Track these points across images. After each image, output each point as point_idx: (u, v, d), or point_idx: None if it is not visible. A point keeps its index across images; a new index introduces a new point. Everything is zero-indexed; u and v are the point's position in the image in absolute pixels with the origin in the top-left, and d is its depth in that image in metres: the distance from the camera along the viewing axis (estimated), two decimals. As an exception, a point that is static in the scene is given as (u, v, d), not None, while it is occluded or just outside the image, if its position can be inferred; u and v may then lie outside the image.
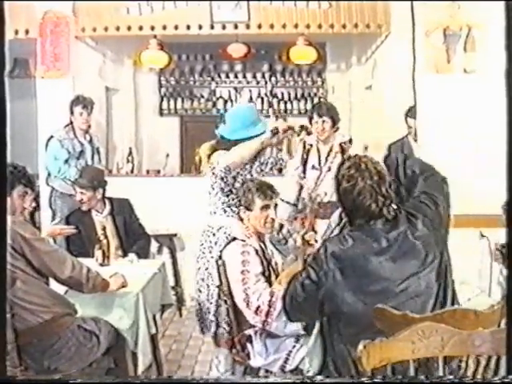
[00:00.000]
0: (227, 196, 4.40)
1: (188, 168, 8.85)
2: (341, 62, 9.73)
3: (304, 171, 5.34)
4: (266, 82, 10.07)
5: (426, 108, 5.70)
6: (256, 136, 4.48)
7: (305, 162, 5.35)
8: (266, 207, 3.89)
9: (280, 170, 4.90)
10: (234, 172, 4.42)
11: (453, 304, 3.04)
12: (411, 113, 6.20)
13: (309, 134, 6.15)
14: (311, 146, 5.40)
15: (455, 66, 5.67)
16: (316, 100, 9.73)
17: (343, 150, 5.30)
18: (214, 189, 4.48)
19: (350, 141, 5.40)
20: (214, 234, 4.42)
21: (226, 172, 4.39)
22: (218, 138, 4.58)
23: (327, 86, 9.91)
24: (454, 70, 5.68)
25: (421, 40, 5.74)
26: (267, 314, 3.57)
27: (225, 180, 4.42)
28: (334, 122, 5.33)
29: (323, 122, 5.29)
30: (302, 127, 6.63)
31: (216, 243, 4.36)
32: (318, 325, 3.31)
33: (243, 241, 3.83)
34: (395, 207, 3.01)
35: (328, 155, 5.31)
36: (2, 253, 1.96)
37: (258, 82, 10.09)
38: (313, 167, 5.31)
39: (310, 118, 5.40)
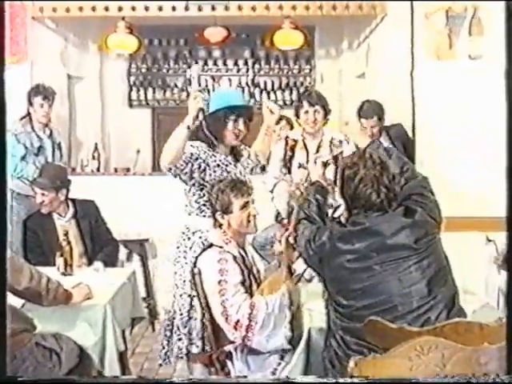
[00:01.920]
0: (201, 190, 4.35)
1: (161, 166, 8.82)
2: (331, 48, 9.75)
3: (289, 170, 5.30)
4: (247, 70, 10.08)
5: (425, 99, 5.69)
6: (235, 106, 4.38)
7: (289, 160, 5.31)
8: (245, 205, 3.88)
9: (263, 168, 4.84)
10: (195, 164, 4.32)
11: (458, 316, 3.07)
12: (363, 112, 6.16)
13: (291, 128, 6.13)
14: (295, 141, 5.34)
15: (459, 52, 5.67)
16: (303, 90, 9.72)
17: (333, 148, 5.27)
18: (186, 184, 4.43)
19: (341, 142, 5.36)
20: (189, 238, 4.38)
21: (176, 170, 4.28)
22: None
23: (315, 74, 9.93)
24: (458, 56, 5.67)
25: (420, 23, 5.74)
26: (247, 329, 3.57)
27: (185, 176, 4.32)
28: (326, 112, 5.29)
29: (315, 111, 5.22)
30: (282, 118, 6.63)
31: (191, 248, 4.33)
32: (304, 337, 3.36)
33: (220, 247, 3.81)
34: (396, 202, 3.21)
35: (317, 152, 5.27)
36: (1, 253, 2.04)
37: (238, 70, 10.10)
38: (300, 166, 5.26)
39: (298, 108, 5.32)
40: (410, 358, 2.51)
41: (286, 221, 5.20)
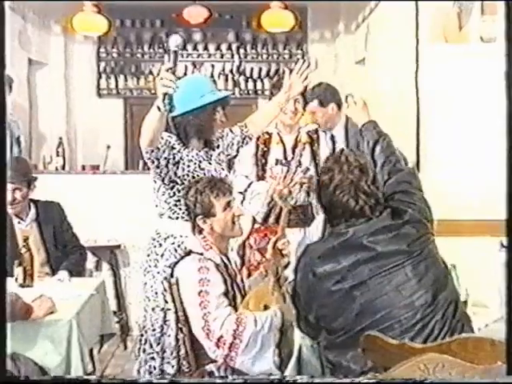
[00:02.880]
0: (171, 188, 4.34)
1: (134, 163, 8.80)
2: (325, 30, 9.76)
3: (263, 167, 5.24)
4: (232, 55, 10.07)
5: (431, 86, 5.69)
6: (218, 101, 4.42)
7: (263, 156, 5.26)
8: (228, 205, 3.89)
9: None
10: (171, 153, 4.31)
11: (463, 320, 3.10)
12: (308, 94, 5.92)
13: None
14: (269, 135, 5.30)
15: (469, 34, 5.66)
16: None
17: (312, 141, 5.25)
18: (155, 182, 4.42)
19: (316, 131, 5.34)
20: (160, 245, 4.37)
21: (151, 154, 4.19)
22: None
23: (308, 59, 9.92)
24: (468, 38, 5.66)
25: (426, 1, 5.74)
26: (231, 347, 3.56)
27: (164, 162, 4.29)
28: (305, 103, 5.26)
29: (295, 100, 5.19)
30: None
31: (162, 255, 4.33)
32: (295, 355, 3.36)
33: (200, 254, 3.80)
34: (380, 206, 3.23)
35: (295, 147, 5.24)
36: (1, 253, 2.15)
37: (221, 55, 10.09)
38: (277, 162, 5.22)
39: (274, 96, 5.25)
40: (414, 377, 2.51)
41: (261, 226, 5.18)
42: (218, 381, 3.01)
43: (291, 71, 4.68)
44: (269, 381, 2.54)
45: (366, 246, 3.11)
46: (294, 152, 5.21)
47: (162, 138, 4.21)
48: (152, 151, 4.15)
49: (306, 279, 3.21)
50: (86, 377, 3.97)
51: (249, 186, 5.17)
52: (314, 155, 5.18)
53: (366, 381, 2.33)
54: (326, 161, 3.33)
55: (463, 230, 5.22)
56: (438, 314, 3.06)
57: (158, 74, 4.04)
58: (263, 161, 5.22)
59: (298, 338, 3.55)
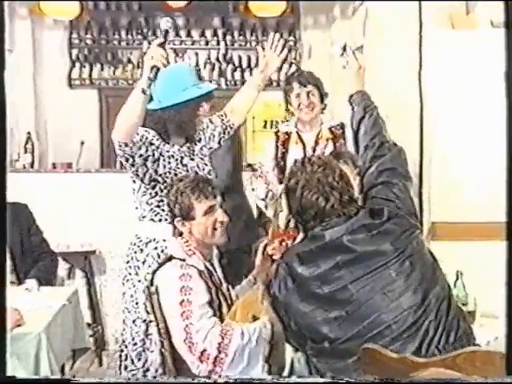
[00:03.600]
0: (153, 188, 4.34)
1: (110, 160, 8.77)
2: (319, 15, 9.75)
3: (282, 169, 5.26)
4: (217, 43, 10.03)
5: (436, 77, 5.70)
6: (202, 96, 4.44)
7: (282, 157, 5.28)
8: (210, 210, 3.88)
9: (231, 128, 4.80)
10: (150, 150, 4.29)
11: (459, 316, 3.12)
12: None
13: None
14: (288, 135, 5.34)
15: (478, 18, 5.66)
16: (286, 67, 9.66)
17: (335, 137, 5.26)
18: (135, 182, 4.41)
19: (342, 126, 5.35)
20: (141, 250, 4.37)
21: (132, 148, 4.20)
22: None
23: (302, 47, 9.92)
24: (477, 23, 5.67)
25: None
26: (215, 362, 3.55)
27: (139, 159, 4.27)
28: (322, 96, 5.28)
29: (308, 92, 5.22)
30: None
31: (144, 262, 4.33)
32: (287, 369, 3.38)
33: (182, 260, 3.80)
34: (355, 204, 3.32)
35: (316, 144, 5.26)
36: (2, 252, 2.32)
37: (206, 43, 10.04)
38: (296, 162, 5.24)
39: (288, 92, 5.29)
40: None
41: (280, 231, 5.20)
42: (208, 381, 3.03)
43: (264, 48, 4.70)
44: (260, 381, 2.56)
45: (346, 246, 3.16)
46: (314, 151, 5.22)
47: (138, 134, 4.20)
48: (126, 145, 4.14)
49: (284, 284, 3.26)
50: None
51: (269, 191, 5.23)
52: None
53: (365, 381, 2.34)
54: (290, 168, 3.47)
55: (469, 233, 5.23)
56: (430, 314, 3.09)
57: (145, 53, 4.01)
58: (282, 163, 5.25)
59: (290, 351, 3.55)
